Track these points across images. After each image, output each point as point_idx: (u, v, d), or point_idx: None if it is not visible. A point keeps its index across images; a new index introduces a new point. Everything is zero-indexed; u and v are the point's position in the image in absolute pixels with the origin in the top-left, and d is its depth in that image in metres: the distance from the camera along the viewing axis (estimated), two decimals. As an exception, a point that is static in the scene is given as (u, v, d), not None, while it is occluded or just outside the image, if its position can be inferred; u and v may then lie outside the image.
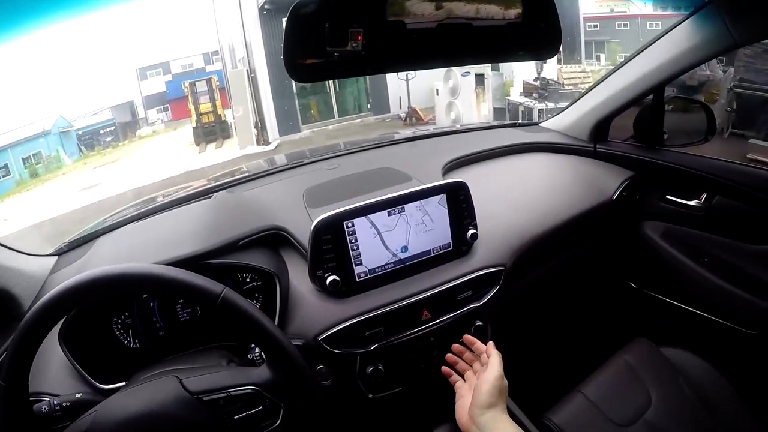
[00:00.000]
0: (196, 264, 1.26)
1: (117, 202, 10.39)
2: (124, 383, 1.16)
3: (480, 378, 1.14)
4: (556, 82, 11.19)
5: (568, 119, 2.12)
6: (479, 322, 1.39)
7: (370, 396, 1.30)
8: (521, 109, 9.43)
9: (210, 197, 1.69)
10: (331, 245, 1.25)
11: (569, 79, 11.56)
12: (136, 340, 1.30)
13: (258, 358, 1.16)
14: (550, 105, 9.20)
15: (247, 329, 0.94)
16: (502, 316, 1.47)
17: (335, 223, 1.24)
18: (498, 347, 1.28)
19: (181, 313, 1.31)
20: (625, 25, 17.38)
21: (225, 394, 0.95)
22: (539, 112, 8.94)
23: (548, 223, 1.60)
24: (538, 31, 0.87)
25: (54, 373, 1.06)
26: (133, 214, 1.68)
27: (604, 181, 1.84)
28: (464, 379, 1.25)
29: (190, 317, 1.32)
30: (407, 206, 1.31)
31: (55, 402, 1.03)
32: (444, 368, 1.31)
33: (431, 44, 0.81)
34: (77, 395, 1.07)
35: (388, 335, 1.29)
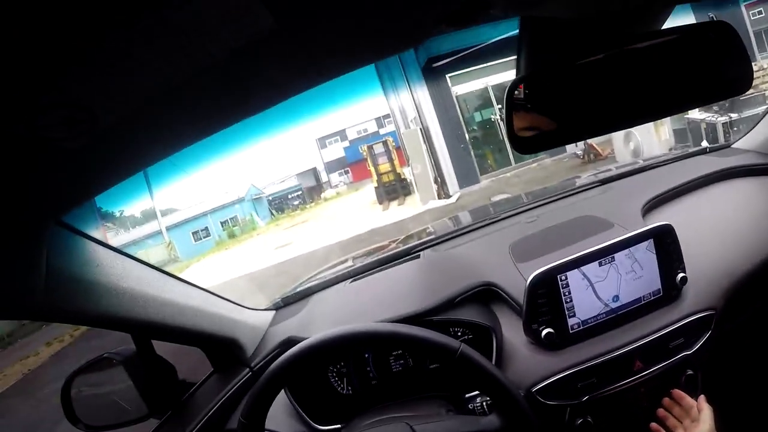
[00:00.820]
0: (420, 321, 1.37)
1: (309, 258, 10.99)
2: (338, 426, 1.31)
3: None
4: None
5: (761, 135, 1.92)
6: (690, 371, 1.34)
7: None
8: (703, 126, 8.64)
9: (417, 256, 1.78)
10: (545, 299, 1.28)
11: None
12: (350, 388, 1.43)
13: (479, 408, 1.21)
14: (734, 116, 8.38)
15: (481, 380, 1.01)
16: (714, 363, 1.41)
17: (549, 278, 1.28)
18: (710, 398, 1.25)
19: (394, 364, 1.42)
20: None
21: None
22: (723, 126, 8.16)
23: (758, 258, 1.48)
24: (732, 63, 0.83)
25: (276, 412, 1.16)
26: (344, 273, 1.82)
27: None
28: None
29: (402, 368, 1.42)
30: (617, 255, 1.30)
31: None
32: (653, 425, 1.29)
33: (631, 98, 0.82)
34: None
35: (600, 386, 1.28)
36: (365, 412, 1.32)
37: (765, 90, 8.50)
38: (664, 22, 0.84)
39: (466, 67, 12.95)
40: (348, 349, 1.37)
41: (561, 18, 0.73)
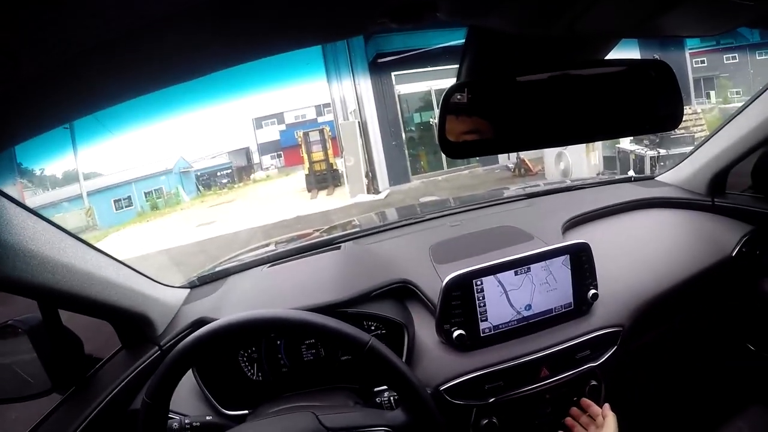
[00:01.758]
0: (334, 311, 1.36)
1: (232, 239, 10.83)
2: (246, 411, 1.30)
3: None
4: None
5: (683, 172, 2.07)
6: (594, 382, 1.41)
7: None
8: (632, 157, 9.04)
9: (338, 247, 1.79)
10: (460, 301, 1.32)
11: (680, 122, 11.02)
12: (260, 374, 1.42)
13: (386, 402, 1.23)
14: (662, 152, 8.81)
15: (388, 375, 1.01)
16: (618, 376, 1.47)
17: (465, 281, 1.31)
18: (612, 408, 1.31)
19: (305, 353, 1.42)
20: (734, 58, 16.36)
21: None
22: (651, 159, 8.57)
23: (666, 283, 1.58)
24: (664, 101, 0.89)
25: (183, 394, 1.15)
26: (263, 257, 1.81)
27: (722, 237, 1.79)
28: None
29: (314, 357, 1.42)
30: (533, 266, 1.36)
31: (186, 421, 1.17)
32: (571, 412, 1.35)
33: (564, 119, 0.85)
34: (207, 417, 1.21)
35: (507, 390, 1.32)
36: (273, 400, 1.31)
37: (695, 132, 8.97)
38: (608, 53, 0.87)
39: (413, 68, 13.00)
40: (257, 334, 1.35)
41: (507, 32, 0.74)
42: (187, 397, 1.31)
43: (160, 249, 12.03)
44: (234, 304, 1.52)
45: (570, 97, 0.83)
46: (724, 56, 16.41)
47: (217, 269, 1.83)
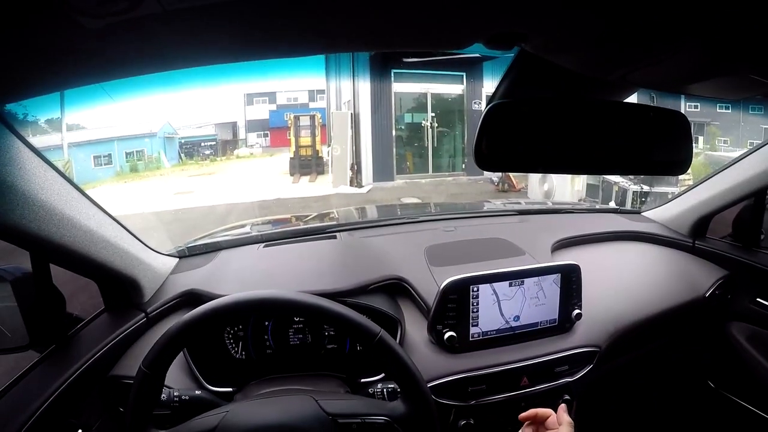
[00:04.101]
0: (334, 300, 1.38)
1: (209, 212, 10.62)
2: (230, 389, 1.32)
3: None
4: None
5: (670, 212, 2.16)
6: (567, 396, 1.47)
7: None
8: (615, 188, 9.16)
9: (333, 237, 1.83)
10: (455, 305, 1.38)
11: (665, 160, 11.14)
12: (244, 353, 1.43)
13: (380, 393, 1.27)
14: (645, 188, 8.96)
15: (394, 366, 1.04)
16: (589, 395, 1.54)
17: (463, 286, 1.37)
18: (581, 426, 1.34)
19: (292, 337, 1.44)
20: (727, 108, 16.60)
21: (359, 420, 1.04)
22: (633, 193, 8.72)
23: (643, 312, 1.66)
24: (676, 147, 0.95)
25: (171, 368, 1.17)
26: (258, 236, 1.83)
27: (699, 278, 1.88)
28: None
29: (300, 342, 1.45)
30: (527, 280, 1.42)
31: (175, 394, 1.19)
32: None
33: (585, 151, 0.89)
34: (197, 392, 1.23)
35: (488, 394, 1.38)
36: (262, 381, 1.34)
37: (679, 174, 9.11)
38: (628, 96, 0.93)
39: (414, 68, 12.98)
40: (269, 313, 1.37)
41: (554, 63, 0.78)
42: (174, 371, 1.27)
43: (135, 212, 11.73)
44: (228, 279, 1.53)
45: (598, 131, 0.87)
46: (718, 105, 16.66)
47: (208, 241, 1.83)
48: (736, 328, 1.92)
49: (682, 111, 0.93)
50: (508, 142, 0.86)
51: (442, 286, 1.36)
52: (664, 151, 0.94)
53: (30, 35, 0.55)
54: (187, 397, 1.20)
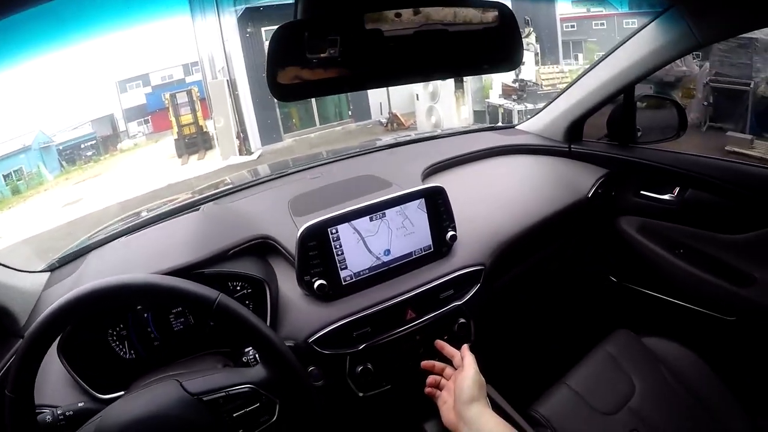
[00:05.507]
0: (190, 274, 1.30)
1: (101, 216, 10.31)
2: (123, 392, 1.19)
3: (458, 377, 1.19)
4: (534, 83, 11.25)
5: (542, 121, 2.18)
6: (462, 320, 1.43)
7: (361, 395, 1.34)
8: (501, 111, 9.44)
9: (197, 209, 1.73)
10: (317, 251, 1.30)
11: (548, 79, 11.58)
12: (132, 351, 1.33)
13: (252, 360, 1.19)
14: (530, 106, 9.25)
15: (242, 331, 0.99)
16: (486, 313, 1.50)
17: (320, 230, 1.30)
18: (482, 344, 1.36)
19: (174, 323, 1.34)
20: (602, 24, 17.40)
21: (224, 394, 0.99)
22: (519, 113, 8.97)
23: (525, 223, 1.65)
24: (504, 43, 0.91)
25: (54, 385, 1.08)
26: (122, 228, 1.71)
27: (579, 180, 1.90)
28: (440, 389, 1.28)
29: (184, 326, 1.35)
30: (388, 211, 1.36)
31: (58, 412, 1.06)
32: (424, 363, 1.35)
33: (407, 57, 0.85)
34: (79, 404, 1.10)
35: (375, 335, 1.33)
36: (144, 375, 1.24)
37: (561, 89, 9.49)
38: None
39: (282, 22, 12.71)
40: (106, 304, 1.25)
41: None
42: (58, 387, 1.21)
43: (25, 238, 11.48)
44: (91, 278, 1.41)
45: (418, 36, 0.83)
46: (593, 23, 17.46)
47: (77, 248, 1.70)
48: (626, 222, 1.98)
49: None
50: (302, 65, 0.79)
51: (297, 236, 1.29)
52: (491, 47, 0.90)
53: None
54: (71, 413, 1.08)
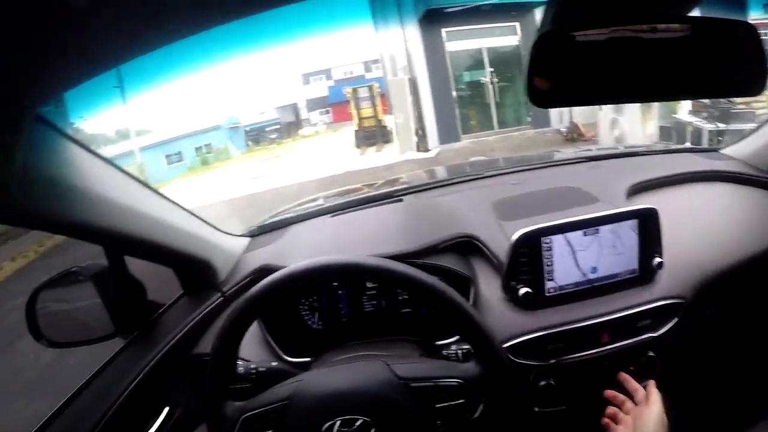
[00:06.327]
0: (403, 262, 1.38)
1: (281, 193, 10.96)
2: (308, 359, 1.32)
3: (643, 413, 1.16)
4: (728, 100, 10.22)
5: (750, 147, 1.95)
6: (651, 353, 1.37)
7: (536, 409, 1.34)
8: (689, 129, 8.66)
9: (400, 200, 1.79)
10: (527, 258, 1.30)
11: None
12: (320, 322, 1.43)
13: (454, 356, 1.22)
14: (722, 126, 8.46)
15: (466, 328, 1.02)
16: (678, 350, 1.45)
17: (534, 238, 1.29)
18: (670, 383, 1.29)
19: (366, 303, 1.43)
20: None
21: (432, 384, 1.02)
22: (709, 132, 8.22)
23: (730, 258, 1.52)
24: (737, 66, 0.83)
25: (246, 341, 1.15)
26: (325, 207, 1.82)
27: None
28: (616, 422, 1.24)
29: (374, 309, 1.43)
30: (602, 228, 1.32)
31: (251, 366, 1.20)
32: (608, 412, 1.29)
33: (666, 69, 0.81)
34: (273, 363, 1.23)
35: (567, 352, 1.31)
36: (335, 348, 1.33)
37: (757, 108, 8.49)
38: (689, 11, 0.83)
39: (464, 25, 12.74)
40: (336, 278, 1.36)
41: None
42: (250, 343, 1.33)
43: (211, 202, 12.16)
44: (298, 251, 1.53)
45: (649, 52, 0.79)
46: None
47: (277, 219, 1.85)
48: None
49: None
50: (562, 74, 0.79)
51: (512, 240, 1.29)
52: (733, 69, 0.83)
53: (31, 33, 0.54)
54: (264, 369, 1.20)
